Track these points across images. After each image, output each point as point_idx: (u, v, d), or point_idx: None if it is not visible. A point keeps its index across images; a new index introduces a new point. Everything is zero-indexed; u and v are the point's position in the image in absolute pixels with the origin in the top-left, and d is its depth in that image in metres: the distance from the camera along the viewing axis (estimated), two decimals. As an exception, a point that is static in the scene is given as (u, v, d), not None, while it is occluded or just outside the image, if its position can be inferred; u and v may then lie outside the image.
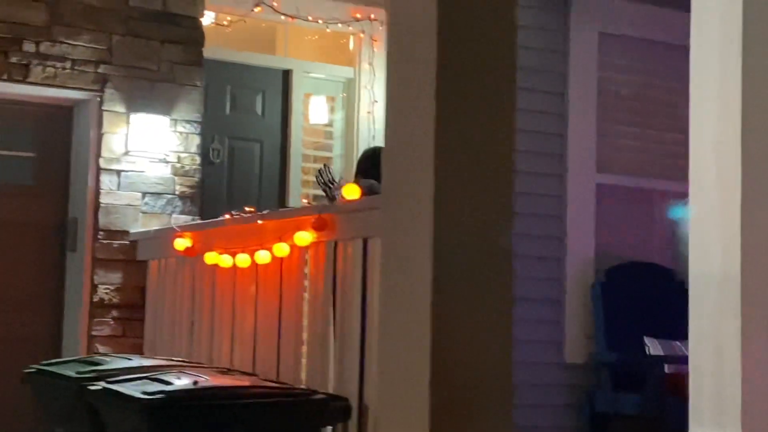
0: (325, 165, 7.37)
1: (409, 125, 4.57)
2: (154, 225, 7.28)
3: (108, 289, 7.14)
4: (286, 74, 8.51)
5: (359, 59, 8.66)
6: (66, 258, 7.36)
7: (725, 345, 5.60)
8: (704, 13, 5.67)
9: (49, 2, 7.09)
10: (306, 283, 5.82)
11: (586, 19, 8.19)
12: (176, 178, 7.35)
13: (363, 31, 8.63)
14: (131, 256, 7.22)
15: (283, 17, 8.29)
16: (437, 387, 4.32)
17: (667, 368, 7.29)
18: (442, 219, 4.35)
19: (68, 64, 7.10)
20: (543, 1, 8.03)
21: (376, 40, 8.64)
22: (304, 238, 5.63)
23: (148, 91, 7.28)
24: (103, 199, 7.15)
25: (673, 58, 8.66)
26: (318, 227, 5.53)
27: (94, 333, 7.10)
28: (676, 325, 7.71)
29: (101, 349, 7.11)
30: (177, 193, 7.35)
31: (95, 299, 7.11)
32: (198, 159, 7.44)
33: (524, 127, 7.55)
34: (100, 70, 7.19)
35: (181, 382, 5.23)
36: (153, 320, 7.16)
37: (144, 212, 7.25)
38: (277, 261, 5.96)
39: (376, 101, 8.63)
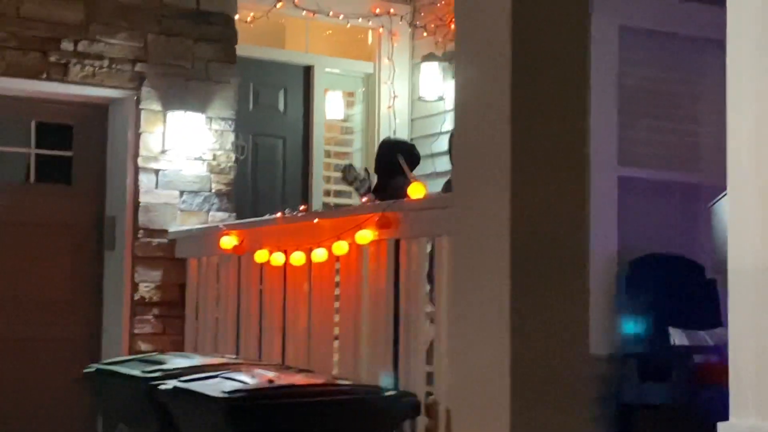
0: (349, 164, 7.44)
1: (482, 125, 4.64)
2: (191, 223, 7.30)
3: (148, 287, 7.16)
4: (308, 70, 8.55)
5: (378, 54, 8.71)
6: (104, 257, 7.35)
7: (765, 336, 5.73)
8: (740, 8, 5.79)
9: (86, 1, 7.08)
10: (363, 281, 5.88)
11: (607, 13, 8.27)
12: (212, 175, 7.38)
13: (382, 26, 8.68)
14: (170, 254, 7.23)
15: (304, 12, 8.32)
16: (517, 382, 4.41)
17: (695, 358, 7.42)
18: (519, 217, 4.44)
19: (105, 63, 7.11)
20: (560, -4, 8.06)
21: (395, 35, 8.70)
22: (365, 236, 5.68)
23: (182, 89, 7.30)
24: (142, 198, 7.16)
25: (693, 51, 8.80)
26: (383, 225, 5.58)
27: (136, 331, 7.11)
28: (699, 316, 7.87)
29: (143, 347, 7.14)
30: (213, 190, 7.38)
31: (136, 297, 7.12)
32: (233, 156, 7.47)
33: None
34: (136, 69, 7.20)
35: (256, 380, 5.27)
36: (193, 318, 7.19)
37: (182, 210, 7.27)
38: (332, 259, 6.02)
39: (396, 96, 8.70)
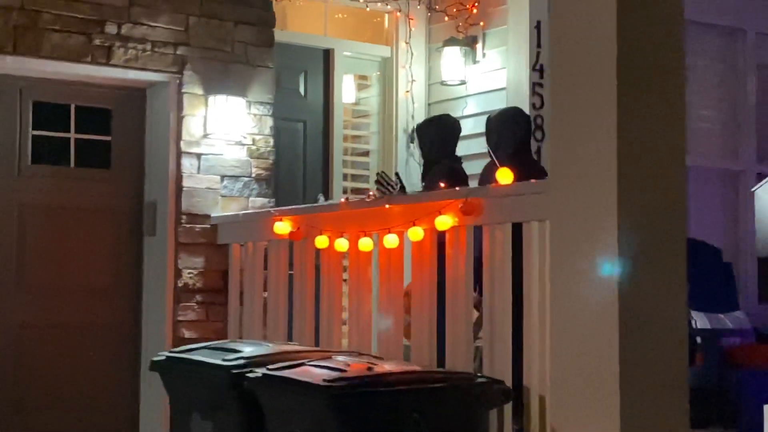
0: (382, 171, 7.42)
1: (587, 116, 4.69)
2: (232, 208, 7.25)
3: (191, 273, 7.10)
4: (327, 53, 8.51)
5: (396, 38, 8.70)
6: (143, 243, 7.27)
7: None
8: None
9: (128, -17, 7.00)
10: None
11: None
12: (252, 160, 7.33)
13: (399, 10, 8.67)
14: (212, 240, 7.17)
15: (325, -4, 8.30)
16: (626, 370, 4.48)
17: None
18: (625, 204, 4.51)
19: (148, 46, 7.02)
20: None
21: (412, 19, 8.70)
22: (445, 222, 5.69)
23: (223, 73, 7.24)
24: (185, 183, 7.08)
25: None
26: (467, 212, 5.59)
27: (179, 318, 7.04)
28: (718, 300, 8.01)
29: (186, 334, 7.08)
30: (253, 175, 7.33)
31: (180, 284, 7.05)
32: (272, 141, 7.43)
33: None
34: (178, 52, 7.12)
35: (352, 368, 5.25)
36: (237, 304, 7.15)
37: (223, 195, 7.21)
38: (401, 245, 6.02)
39: (414, 80, 8.70)
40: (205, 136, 7.15)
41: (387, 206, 6.03)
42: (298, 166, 8.30)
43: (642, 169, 4.55)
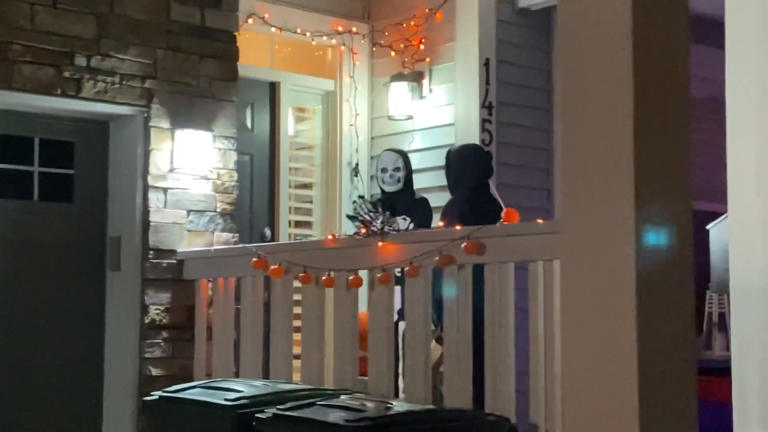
0: (360, 196, 7.48)
1: (600, 149, 4.75)
2: (197, 243, 7.18)
3: (158, 309, 7.00)
4: (273, 86, 8.51)
5: (339, 72, 8.74)
6: (106, 278, 7.14)
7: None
8: (739, 25, 6.14)
9: (97, 15, 6.88)
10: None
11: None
12: (217, 195, 7.27)
13: (344, 44, 8.72)
14: (178, 275, 7.09)
15: (273, 29, 8.29)
16: (645, 411, 4.58)
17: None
18: (641, 242, 4.60)
19: (117, 79, 6.92)
20: (528, 20, 8.38)
21: (356, 53, 8.75)
22: (444, 260, 5.76)
23: (188, 107, 7.18)
24: (152, 218, 6.99)
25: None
26: (473, 251, 5.67)
27: (146, 355, 6.94)
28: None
29: (153, 371, 6.98)
30: (218, 210, 7.28)
31: (147, 320, 6.95)
32: (235, 175, 7.39)
33: (513, 141, 7.91)
34: (146, 85, 7.03)
35: (372, 408, 5.28)
36: (203, 341, 7.08)
37: (189, 230, 7.14)
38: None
39: (358, 114, 8.75)
40: (172, 170, 7.08)
41: (380, 244, 6.06)
42: (245, 199, 8.25)
43: (657, 212, 4.61)
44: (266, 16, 8.14)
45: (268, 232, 7.93)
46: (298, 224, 8.54)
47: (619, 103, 4.48)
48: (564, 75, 4.69)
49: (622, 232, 4.55)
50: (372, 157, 8.74)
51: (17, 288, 6.89)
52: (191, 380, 7.04)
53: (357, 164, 8.59)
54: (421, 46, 8.46)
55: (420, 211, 7.10)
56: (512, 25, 8.43)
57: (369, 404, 5.34)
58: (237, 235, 7.39)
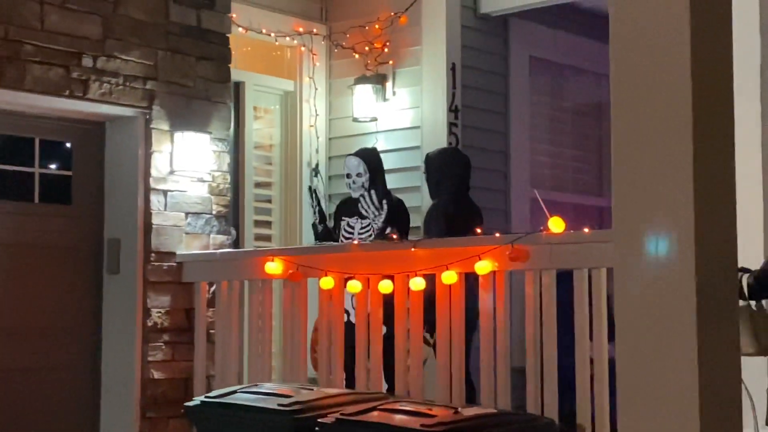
0: (309, 187, 7.66)
1: (656, 158, 4.95)
2: (194, 245, 7.18)
3: (159, 312, 6.98)
4: (237, 86, 8.51)
5: (300, 73, 8.81)
6: (103, 281, 7.07)
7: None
8: None
9: (103, 15, 6.80)
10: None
11: (521, 43, 8.87)
12: (213, 197, 7.28)
13: (304, 45, 8.79)
14: (177, 278, 7.08)
15: (240, 29, 8.30)
16: (706, 414, 4.84)
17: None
18: (703, 253, 4.81)
19: (121, 80, 6.86)
20: (488, 25, 8.62)
21: (316, 54, 8.83)
22: (485, 267, 5.95)
23: (186, 109, 7.16)
24: (154, 220, 6.96)
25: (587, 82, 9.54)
26: (516, 258, 5.87)
27: (150, 358, 6.91)
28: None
29: (156, 374, 6.95)
30: (214, 212, 7.29)
31: (149, 323, 6.92)
32: (229, 177, 7.40)
33: (476, 144, 8.17)
34: (147, 86, 6.99)
35: (441, 413, 5.42)
36: (204, 343, 7.08)
37: (187, 233, 7.13)
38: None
39: (318, 114, 8.83)
40: (172, 172, 7.05)
41: (413, 249, 6.19)
42: (212, 198, 8.24)
43: (716, 221, 4.80)
44: (234, 15, 8.13)
45: (233, 231, 7.94)
46: (257, 224, 8.57)
47: (677, 112, 4.66)
48: (616, 83, 4.86)
49: (682, 241, 4.75)
50: (330, 158, 8.83)
51: (13, 290, 6.75)
52: (192, 383, 7.05)
53: (317, 164, 8.67)
54: (386, 49, 8.57)
55: (395, 217, 7.25)
56: (474, 30, 8.64)
57: (436, 409, 5.47)
58: (230, 237, 7.40)
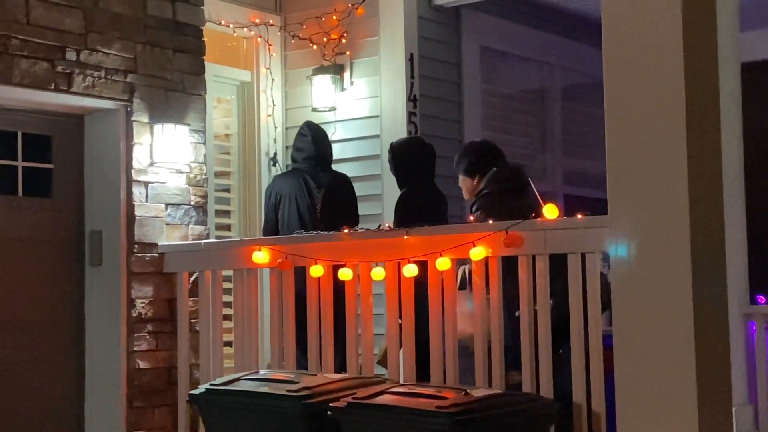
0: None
1: (651, 153, 5.18)
2: (174, 236, 7.25)
3: (143, 302, 7.05)
4: (196, 77, 8.55)
5: (257, 63, 8.91)
6: (85, 273, 7.10)
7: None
8: None
9: (84, 9, 6.84)
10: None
11: (472, 34, 9.11)
12: (191, 188, 7.36)
13: (260, 36, 8.89)
14: (159, 268, 7.15)
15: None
16: (702, 393, 5.06)
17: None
18: (696, 232, 4.98)
19: (103, 73, 6.90)
20: (442, 16, 8.84)
21: (271, 45, 8.94)
22: (479, 253, 6.15)
23: (164, 101, 7.22)
24: (136, 211, 7.03)
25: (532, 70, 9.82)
26: (511, 244, 6.07)
27: (135, 349, 6.98)
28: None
29: (141, 364, 7.02)
30: (192, 203, 7.37)
31: (134, 314, 6.99)
32: (205, 168, 7.48)
33: (433, 132, 8.40)
34: (128, 79, 7.04)
35: (452, 395, 5.59)
36: (186, 333, 7.17)
37: (167, 224, 7.21)
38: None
39: (274, 105, 8.95)
40: (152, 164, 7.12)
41: (405, 237, 6.36)
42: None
43: (708, 208, 4.98)
44: (194, 7, 8.19)
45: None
46: (217, 213, 8.66)
47: (671, 106, 4.91)
48: (609, 77, 5.08)
49: (677, 231, 4.95)
50: (287, 147, 8.95)
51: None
52: (175, 371, 7.14)
53: (276, 154, 8.78)
54: (343, 40, 8.72)
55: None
56: (429, 21, 8.84)
57: (446, 391, 5.64)
58: (207, 227, 7.49)
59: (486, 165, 6.97)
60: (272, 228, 7.57)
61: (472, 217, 6.58)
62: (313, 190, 7.57)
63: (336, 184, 7.69)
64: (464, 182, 7.06)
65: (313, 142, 7.70)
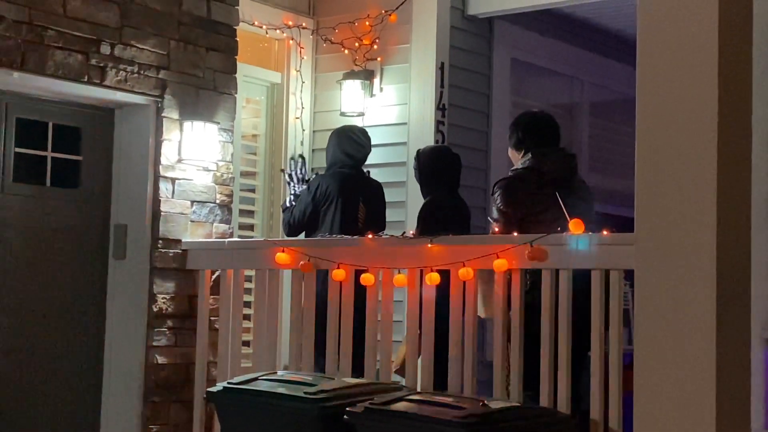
0: (300, 156, 7.88)
1: (681, 163, 5.13)
2: (199, 233, 7.28)
3: (165, 298, 7.08)
4: (227, 77, 8.58)
5: (287, 65, 8.94)
6: (108, 266, 7.14)
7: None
8: None
9: (120, 3, 6.88)
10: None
11: (504, 45, 9.12)
12: (217, 186, 7.39)
13: (292, 38, 8.92)
14: (182, 265, 7.18)
15: (236, 21, 8.39)
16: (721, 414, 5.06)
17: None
18: (723, 249, 4.97)
19: (136, 68, 6.94)
20: (474, 27, 8.85)
21: (303, 48, 8.97)
22: (502, 264, 6.16)
23: (195, 98, 7.26)
24: (162, 207, 7.06)
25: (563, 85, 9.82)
26: (535, 257, 6.08)
27: (154, 343, 7.01)
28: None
29: (159, 359, 7.05)
30: (217, 201, 7.39)
31: (155, 309, 7.01)
32: (232, 167, 7.52)
33: (461, 142, 8.41)
34: (160, 75, 7.07)
35: (469, 405, 5.60)
36: (206, 330, 7.19)
37: (192, 221, 7.24)
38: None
39: (303, 107, 8.97)
40: (180, 160, 7.15)
41: (429, 245, 6.37)
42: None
43: (735, 231, 4.98)
44: (229, 6, 8.22)
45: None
46: (241, 212, 8.68)
47: (702, 126, 4.90)
48: (642, 89, 5.07)
49: (703, 246, 4.95)
50: (314, 150, 8.97)
51: (21, 272, 6.79)
52: (193, 368, 7.17)
53: (292, 157, 8.72)
54: (375, 46, 8.74)
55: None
56: (462, 30, 8.86)
57: (464, 401, 5.65)
58: (232, 226, 7.52)
59: (534, 143, 6.74)
60: (309, 221, 7.50)
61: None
62: (359, 200, 7.59)
63: (376, 192, 7.72)
64: (512, 155, 6.95)
65: (366, 149, 7.75)
